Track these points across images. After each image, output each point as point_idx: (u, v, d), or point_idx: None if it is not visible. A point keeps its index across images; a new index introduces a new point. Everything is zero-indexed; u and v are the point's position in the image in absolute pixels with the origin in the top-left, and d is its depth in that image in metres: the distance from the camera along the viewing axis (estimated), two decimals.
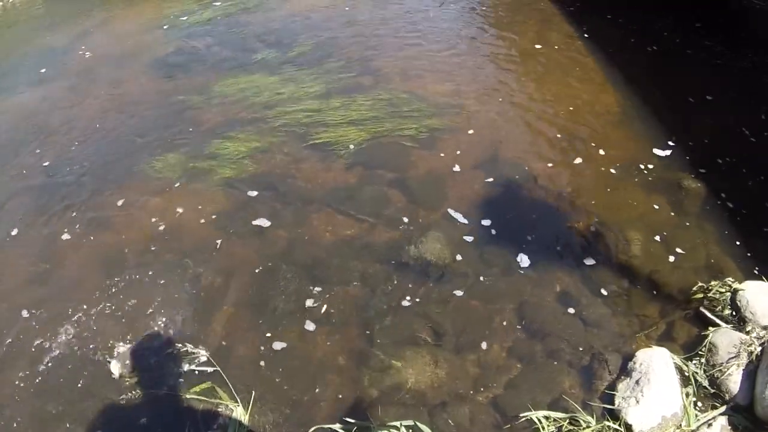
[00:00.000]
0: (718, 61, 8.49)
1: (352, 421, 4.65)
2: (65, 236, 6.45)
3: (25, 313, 5.65)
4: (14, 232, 6.58)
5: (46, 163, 7.61)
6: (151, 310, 5.58)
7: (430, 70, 8.72)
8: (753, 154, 6.97)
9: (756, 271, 5.63)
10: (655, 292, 5.58)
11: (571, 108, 7.89)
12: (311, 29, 10.33)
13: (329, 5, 11.26)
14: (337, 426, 4.63)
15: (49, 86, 9.61)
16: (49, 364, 5.25)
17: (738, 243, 6.01)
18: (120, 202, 6.77)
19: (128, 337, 5.40)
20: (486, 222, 6.27)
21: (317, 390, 4.96)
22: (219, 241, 6.17)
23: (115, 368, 5.14)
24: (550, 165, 6.96)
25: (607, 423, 4.57)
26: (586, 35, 9.50)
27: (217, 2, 11.77)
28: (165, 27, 11.19)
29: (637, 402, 4.62)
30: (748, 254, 5.87)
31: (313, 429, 4.62)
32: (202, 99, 8.21)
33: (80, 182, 7.16)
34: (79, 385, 5.07)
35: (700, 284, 5.50)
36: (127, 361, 5.18)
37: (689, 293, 5.49)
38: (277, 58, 9.19)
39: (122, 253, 6.14)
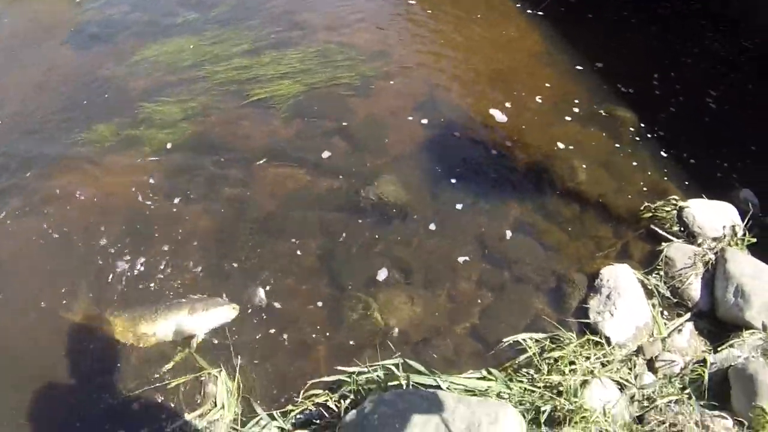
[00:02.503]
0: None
1: (345, 368, 4.55)
2: None
3: None
4: None
5: None
6: (111, 283, 5.20)
7: (356, 20, 8.47)
8: (679, 85, 7.34)
9: (692, 191, 5.92)
10: (605, 215, 5.72)
11: (501, 50, 7.91)
12: None
13: None
14: (332, 377, 4.52)
15: None
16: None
17: (673, 165, 6.25)
18: (55, 180, 6.19)
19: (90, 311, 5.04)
20: (434, 160, 6.22)
21: (300, 345, 4.78)
22: (170, 209, 5.81)
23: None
24: (487, 104, 6.94)
25: (589, 337, 4.66)
26: None
27: None
28: None
29: (612, 315, 4.76)
30: (686, 176, 6.14)
31: (309, 383, 4.47)
32: (127, 68, 7.67)
33: (9, 163, 6.49)
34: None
35: (646, 204, 5.69)
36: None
37: (638, 213, 5.68)
38: (200, 19, 8.67)
39: (67, 233, 5.63)
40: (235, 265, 5.30)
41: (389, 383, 4.34)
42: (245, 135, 6.54)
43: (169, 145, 6.46)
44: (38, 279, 5.23)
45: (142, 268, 5.27)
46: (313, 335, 4.83)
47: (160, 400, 4.41)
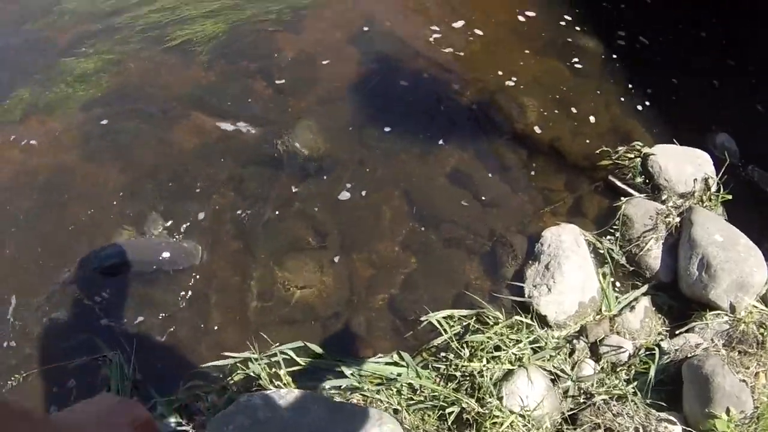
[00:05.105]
0: None
1: (234, 354, 3.75)
2: None
3: None
4: None
5: None
6: (37, 260, 4.47)
7: None
8: (652, 11, 6.36)
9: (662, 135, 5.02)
10: (558, 163, 4.83)
11: None
12: None
13: None
14: (219, 362, 3.75)
15: None
16: None
17: (642, 105, 5.34)
18: None
19: None
20: (363, 100, 5.35)
21: (199, 321, 4.05)
22: (85, 168, 5.04)
23: None
24: (429, 32, 6.03)
25: (518, 317, 3.77)
26: None
27: None
28: None
29: (549, 290, 3.85)
30: (655, 117, 5.21)
31: (187, 374, 3.74)
32: (50, 21, 6.74)
33: None
34: None
35: (604, 148, 4.77)
36: None
37: (596, 161, 4.75)
38: None
39: None
40: (145, 230, 4.58)
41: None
42: (163, 84, 5.69)
43: (85, 102, 5.62)
44: None
45: (64, 234, 4.58)
46: (212, 310, 4.09)
47: (57, 382, 3.79)
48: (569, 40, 5.91)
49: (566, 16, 6.16)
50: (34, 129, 5.44)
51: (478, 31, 5.99)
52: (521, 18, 6.13)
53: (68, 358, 3.84)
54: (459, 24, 6.09)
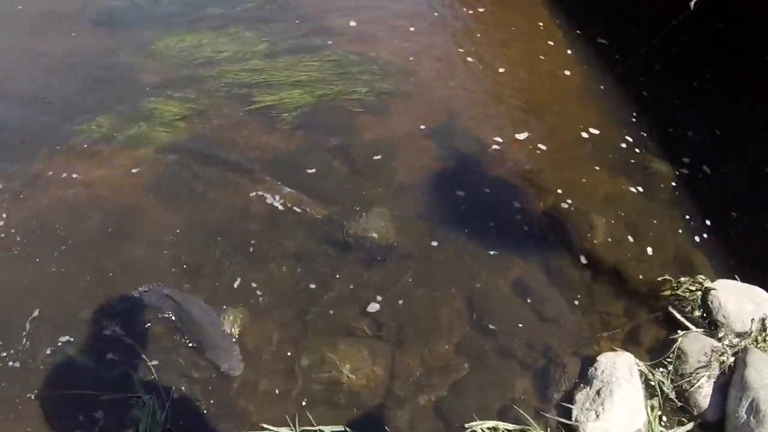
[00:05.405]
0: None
1: (273, 428, 3.81)
2: None
3: None
4: None
5: None
6: (81, 285, 4.68)
7: (385, 32, 7.68)
8: (731, 146, 6.30)
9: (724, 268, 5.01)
10: (620, 287, 4.84)
11: (531, 78, 7.09)
12: None
13: None
14: None
15: None
16: None
17: (709, 236, 5.33)
18: (44, 166, 5.66)
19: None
20: (436, 198, 5.46)
21: (241, 386, 4.12)
22: (151, 212, 5.26)
23: None
24: (506, 138, 6.15)
25: None
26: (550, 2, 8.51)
27: None
28: None
29: (597, 416, 3.86)
30: (713, 250, 5.20)
31: None
32: (141, 57, 7.12)
33: (5, 148, 5.94)
34: None
35: (667, 277, 4.76)
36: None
37: (657, 290, 4.76)
38: (225, 14, 7.93)
39: (55, 223, 5.13)
40: (200, 284, 4.72)
41: None
42: (243, 143, 5.92)
43: (161, 144, 5.89)
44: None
45: (115, 266, 4.82)
46: (258, 378, 4.17)
47: (85, 411, 3.92)
48: (632, 161, 5.97)
49: (628, 137, 6.23)
50: (105, 159, 5.71)
51: (557, 143, 6.11)
52: (584, 134, 6.23)
53: (100, 388, 3.96)
54: (539, 132, 6.22)
